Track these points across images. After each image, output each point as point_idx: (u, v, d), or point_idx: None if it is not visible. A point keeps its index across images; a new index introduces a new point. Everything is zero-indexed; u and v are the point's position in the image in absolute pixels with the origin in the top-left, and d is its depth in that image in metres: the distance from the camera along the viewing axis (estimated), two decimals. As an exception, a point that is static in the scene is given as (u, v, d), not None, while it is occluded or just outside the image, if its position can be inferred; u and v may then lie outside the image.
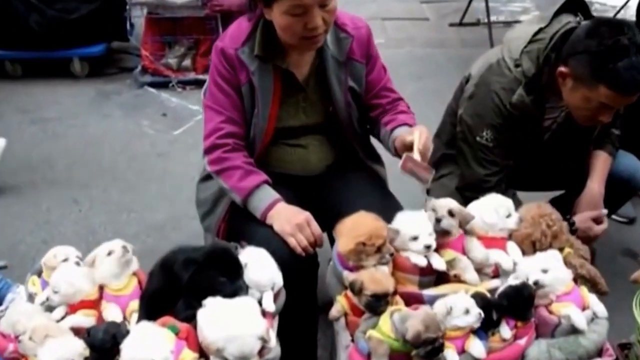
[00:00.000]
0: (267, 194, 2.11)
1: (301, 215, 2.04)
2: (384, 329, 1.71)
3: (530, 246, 1.93)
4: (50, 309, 1.89)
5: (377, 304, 1.75)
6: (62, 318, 1.86)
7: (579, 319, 1.75)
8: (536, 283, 1.78)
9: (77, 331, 1.80)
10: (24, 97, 4.75)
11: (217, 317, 1.69)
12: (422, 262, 1.87)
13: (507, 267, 1.89)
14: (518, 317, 1.75)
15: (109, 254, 1.90)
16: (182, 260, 1.79)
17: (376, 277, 1.78)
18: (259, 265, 1.84)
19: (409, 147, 2.01)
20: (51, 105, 4.66)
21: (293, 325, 2.09)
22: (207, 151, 2.18)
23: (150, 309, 1.83)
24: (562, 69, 2.18)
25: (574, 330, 1.77)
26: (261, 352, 1.71)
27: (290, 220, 2.02)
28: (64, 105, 4.67)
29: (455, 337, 1.70)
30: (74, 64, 5.07)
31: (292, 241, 2.00)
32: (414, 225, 1.90)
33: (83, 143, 4.19)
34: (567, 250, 1.95)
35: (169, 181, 3.75)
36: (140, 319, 1.83)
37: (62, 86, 4.94)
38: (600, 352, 1.79)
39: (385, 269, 1.88)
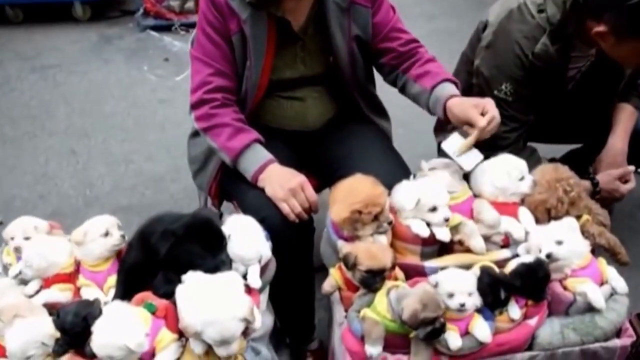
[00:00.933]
0: (258, 155, 1.87)
1: (295, 179, 1.81)
2: (380, 308, 1.50)
3: (545, 213, 1.68)
4: (25, 282, 1.72)
5: (372, 280, 1.54)
6: (37, 292, 1.68)
7: (597, 298, 1.53)
8: (549, 256, 1.55)
9: (53, 306, 1.64)
10: (24, 44, 4.51)
11: (196, 296, 1.49)
12: (424, 232, 1.65)
13: (518, 236, 1.66)
14: (530, 298, 1.53)
15: (106, 235, 1.70)
16: (160, 233, 1.59)
17: (372, 251, 1.56)
18: (243, 237, 1.63)
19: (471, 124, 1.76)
20: (52, 52, 4.41)
21: (288, 293, 1.91)
22: (194, 106, 1.94)
23: (129, 284, 1.65)
24: (599, 28, 1.86)
25: (591, 309, 1.55)
26: (245, 332, 1.52)
27: (283, 184, 1.80)
28: (65, 52, 4.43)
29: (458, 318, 1.49)
30: (76, 8, 4.80)
31: (284, 207, 1.78)
32: (433, 195, 1.67)
33: (83, 91, 3.97)
34: (584, 217, 1.70)
35: (170, 130, 3.53)
36: (117, 294, 1.65)
37: (63, 31, 4.68)
38: (618, 332, 1.57)
39: (384, 239, 1.66)
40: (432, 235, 1.65)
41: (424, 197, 1.65)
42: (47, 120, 3.65)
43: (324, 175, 2.05)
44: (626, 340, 1.55)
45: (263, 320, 1.67)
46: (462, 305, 1.48)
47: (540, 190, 1.69)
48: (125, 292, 1.63)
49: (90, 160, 3.30)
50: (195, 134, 2.12)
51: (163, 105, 3.78)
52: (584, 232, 1.66)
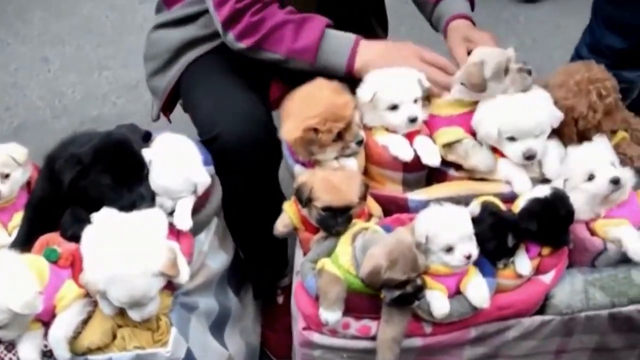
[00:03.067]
0: (340, 40, 1.32)
1: (407, 47, 1.31)
2: (343, 259, 1.04)
3: (572, 124, 1.16)
4: None
5: (332, 221, 1.08)
6: None
7: (635, 247, 1.05)
8: (616, 181, 1.06)
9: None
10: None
11: (101, 243, 1.05)
12: (406, 154, 1.16)
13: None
14: (549, 244, 1.05)
15: None
16: (65, 158, 1.14)
17: (332, 181, 1.08)
18: (168, 163, 1.16)
19: None
20: (30, -50, 3.79)
21: (252, 222, 1.45)
22: (228, 24, 1.33)
23: (35, 222, 1.23)
24: None
25: (625, 260, 1.08)
26: (170, 286, 1.09)
27: (400, 49, 1.30)
28: (43, -51, 3.80)
29: (446, 275, 1.03)
30: None
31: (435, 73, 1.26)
32: (395, 88, 1.17)
33: (61, -8, 3.40)
34: (621, 134, 1.18)
35: (150, 33, 2.99)
36: (20, 235, 1.23)
37: None
38: (661, 291, 1.09)
39: (353, 163, 1.18)
40: (417, 157, 1.17)
41: (381, 91, 1.17)
42: (21, 27, 3.12)
43: None
44: (671, 302, 1.08)
45: (215, 262, 1.27)
46: (469, 257, 1.01)
47: (566, 96, 1.15)
48: (30, 232, 1.21)
49: (63, 67, 2.81)
50: (161, 25, 1.58)
51: (143, 6, 3.20)
52: (619, 154, 1.15)
